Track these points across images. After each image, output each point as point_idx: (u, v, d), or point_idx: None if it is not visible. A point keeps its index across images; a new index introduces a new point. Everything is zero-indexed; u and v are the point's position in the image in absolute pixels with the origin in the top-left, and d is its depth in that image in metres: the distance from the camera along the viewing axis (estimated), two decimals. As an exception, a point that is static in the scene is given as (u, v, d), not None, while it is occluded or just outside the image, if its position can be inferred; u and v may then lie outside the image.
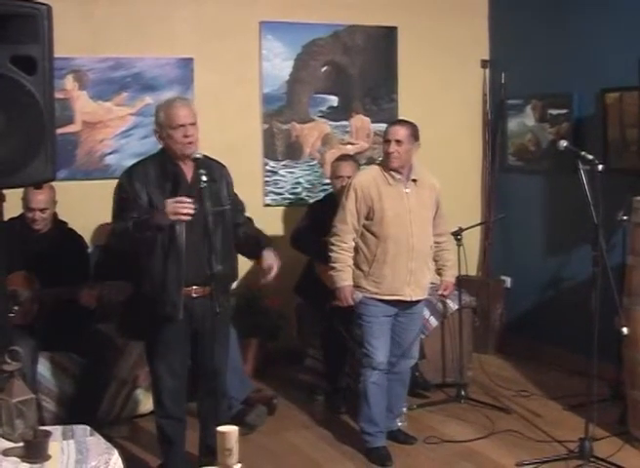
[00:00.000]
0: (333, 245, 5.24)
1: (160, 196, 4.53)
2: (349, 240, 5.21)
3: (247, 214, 5.07)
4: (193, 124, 4.60)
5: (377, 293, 5.19)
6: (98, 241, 6.31)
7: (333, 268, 5.24)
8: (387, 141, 5.17)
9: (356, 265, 5.25)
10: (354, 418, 5.65)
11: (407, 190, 5.18)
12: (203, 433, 4.90)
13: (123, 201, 4.60)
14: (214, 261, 4.38)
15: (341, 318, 5.68)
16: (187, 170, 4.63)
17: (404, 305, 5.25)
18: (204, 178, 4.41)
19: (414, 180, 5.22)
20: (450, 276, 5.55)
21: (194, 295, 4.63)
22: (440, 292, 5.57)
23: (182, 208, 4.35)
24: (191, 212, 4.36)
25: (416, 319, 5.40)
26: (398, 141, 5.13)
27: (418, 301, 5.31)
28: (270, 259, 4.92)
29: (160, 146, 4.71)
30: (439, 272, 5.53)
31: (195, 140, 4.60)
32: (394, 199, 5.15)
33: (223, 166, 4.88)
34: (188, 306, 4.61)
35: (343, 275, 5.21)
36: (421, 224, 5.21)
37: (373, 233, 5.17)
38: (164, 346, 4.70)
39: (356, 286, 5.23)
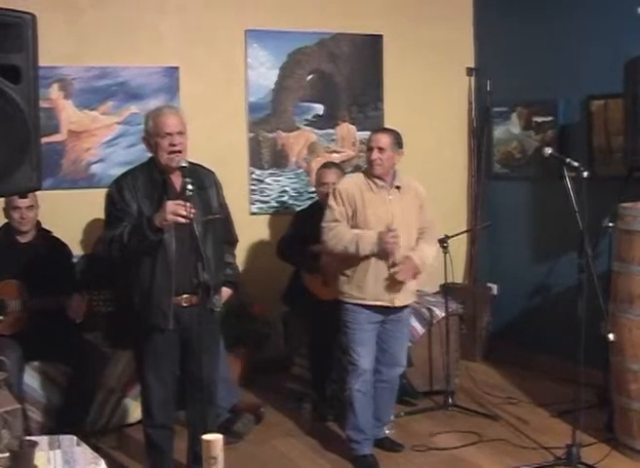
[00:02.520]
0: (330, 231, 5.17)
1: (149, 206, 4.53)
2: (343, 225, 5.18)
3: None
4: (181, 133, 4.60)
5: (360, 299, 5.19)
6: (84, 250, 6.30)
7: (351, 239, 5.09)
8: (370, 149, 5.21)
9: (340, 272, 5.26)
10: (342, 426, 5.65)
11: (390, 197, 5.20)
12: (191, 441, 4.88)
13: (114, 211, 4.59)
14: (200, 270, 4.37)
15: (328, 326, 5.68)
16: (175, 178, 4.62)
17: (389, 311, 5.25)
18: (190, 187, 4.37)
19: (397, 187, 5.23)
20: (414, 255, 5.22)
21: (184, 305, 4.61)
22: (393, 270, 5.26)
23: (182, 209, 4.35)
24: (190, 215, 4.35)
25: (402, 326, 5.40)
26: (381, 149, 5.16)
27: (402, 308, 5.31)
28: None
29: (149, 155, 4.71)
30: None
31: (183, 149, 4.59)
32: (377, 205, 5.17)
33: (212, 172, 4.87)
34: (178, 315, 4.60)
35: (365, 233, 5.10)
36: (405, 231, 5.20)
37: None
38: (153, 356, 4.68)
39: (340, 292, 5.25)
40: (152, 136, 4.58)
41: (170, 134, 4.54)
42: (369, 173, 5.25)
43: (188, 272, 4.47)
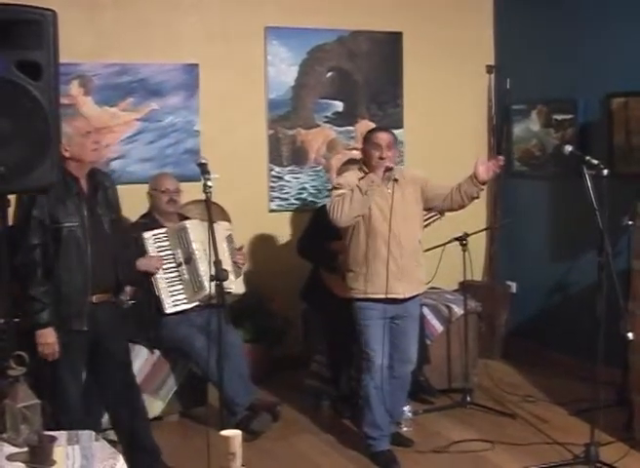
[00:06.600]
0: (334, 202, 5.10)
1: (62, 210, 4.50)
2: None
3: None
4: None
5: (370, 293, 5.19)
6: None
7: (352, 189, 5.05)
8: (378, 146, 5.18)
9: (347, 267, 5.29)
10: (357, 424, 5.64)
11: (389, 190, 5.17)
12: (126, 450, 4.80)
13: (26, 217, 4.46)
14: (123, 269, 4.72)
15: (347, 323, 5.68)
16: (83, 181, 4.65)
17: (398, 305, 5.24)
18: (209, 184, 4.43)
19: (395, 180, 5.21)
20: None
21: (95, 301, 4.61)
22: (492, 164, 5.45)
23: None
24: None
25: (412, 321, 5.39)
26: (389, 147, 5.19)
27: (411, 299, 5.30)
28: None
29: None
30: (469, 180, 5.40)
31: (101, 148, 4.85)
32: (379, 199, 5.15)
33: (109, 174, 5.09)
34: (90, 314, 4.59)
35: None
36: (407, 222, 5.19)
37: (360, 234, 5.19)
38: (70, 355, 4.62)
39: (350, 288, 5.26)
40: (74, 137, 4.57)
41: (90, 132, 4.65)
42: (368, 170, 5.19)
43: (105, 271, 4.62)
